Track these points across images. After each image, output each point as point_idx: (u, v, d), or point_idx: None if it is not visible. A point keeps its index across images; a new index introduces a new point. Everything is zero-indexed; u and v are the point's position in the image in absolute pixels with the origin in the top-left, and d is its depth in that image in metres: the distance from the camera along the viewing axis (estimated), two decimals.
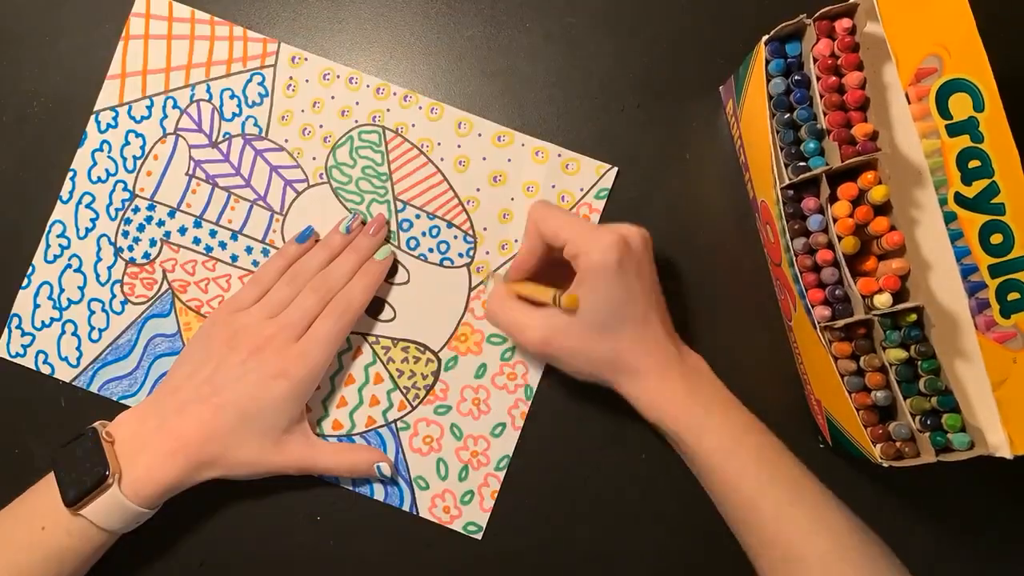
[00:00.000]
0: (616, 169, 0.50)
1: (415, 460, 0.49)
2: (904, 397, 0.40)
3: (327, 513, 0.49)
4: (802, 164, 0.40)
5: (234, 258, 0.50)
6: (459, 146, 0.50)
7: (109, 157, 0.50)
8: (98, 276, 0.50)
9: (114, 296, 0.50)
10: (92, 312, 0.50)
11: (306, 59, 0.51)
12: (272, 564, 0.49)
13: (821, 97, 0.40)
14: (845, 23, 0.40)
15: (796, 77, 0.41)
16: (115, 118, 0.50)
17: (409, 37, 0.51)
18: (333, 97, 0.50)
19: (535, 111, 0.51)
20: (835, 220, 0.39)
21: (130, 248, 0.50)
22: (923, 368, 0.39)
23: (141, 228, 0.50)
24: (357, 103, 0.50)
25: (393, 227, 0.50)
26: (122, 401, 0.50)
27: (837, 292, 0.40)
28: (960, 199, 0.39)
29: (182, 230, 0.50)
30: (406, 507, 0.49)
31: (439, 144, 0.50)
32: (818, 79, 0.40)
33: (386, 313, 0.50)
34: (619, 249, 0.42)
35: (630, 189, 0.50)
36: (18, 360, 0.50)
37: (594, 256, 0.42)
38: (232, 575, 0.49)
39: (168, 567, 0.49)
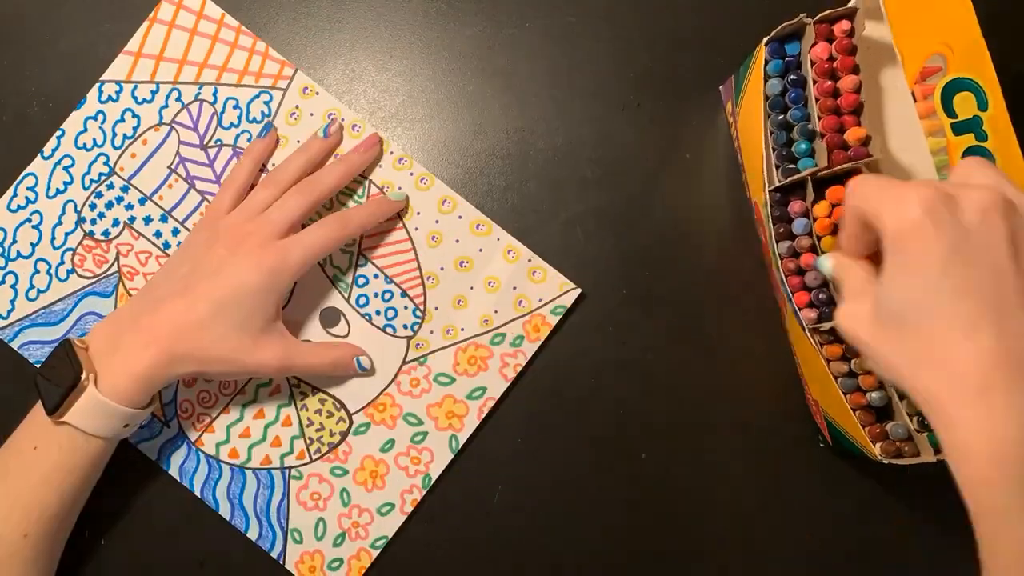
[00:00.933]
0: (580, 291, 0.50)
1: (297, 512, 0.49)
2: (900, 398, 0.40)
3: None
4: (792, 167, 0.40)
5: None
6: (437, 222, 0.50)
7: (100, 128, 0.50)
8: (53, 239, 0.50)
9: (62, 263, 0.50)
10: (36, 271, 0.50)
11: (317, 93, 0.50)
12: (274, 565, 0.49)
13: (816, 101, 0.40)
14: (844, 25, 0.40)
15: (792, 77, 0.41)
16: (118, 92, 0.51)
17: (409, 37, 0.51)
18: None
19: (535, 111, 0.51)
20: (815, 220, 0.39)
21: (93, 222, 0.50)
22: None
23: (109, 205, 0.50)
24: None
25: (348, 278, 0.50)
26: (36, 365, 0.50)
27: (821, 296, 0.40)
28: None
29: (147, 219, 0.50)
30: (274, 554, 0.49)
31: (418, 214, 0.50)
32: (814, 82, 0.40)
33: (342, 329, 0.50)
34: (931, 213, 0.30)
35: (630, 189, 0.50)
36: None
37: (891, 221, 0.31)
38: (232, 575, 0.49)
39: (168, 567, 0.49)
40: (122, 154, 0.50)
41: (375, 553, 0.49)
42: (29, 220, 0.50)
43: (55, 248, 0.50)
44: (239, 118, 0.50)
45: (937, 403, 0.31)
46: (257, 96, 0.51)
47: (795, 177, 0.39)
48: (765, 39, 0.41)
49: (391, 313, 0.50)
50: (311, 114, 0.50)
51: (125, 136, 0.50)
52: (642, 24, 0.51)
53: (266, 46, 0.51)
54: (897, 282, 0.32)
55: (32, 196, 0.50)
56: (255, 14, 0.51)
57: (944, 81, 0.39)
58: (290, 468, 0.49)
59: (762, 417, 0.48)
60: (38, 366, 0.44)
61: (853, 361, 0.40)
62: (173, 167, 0.50)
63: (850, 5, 0.40)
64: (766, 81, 0.41)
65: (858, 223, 0.35)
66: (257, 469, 0.49)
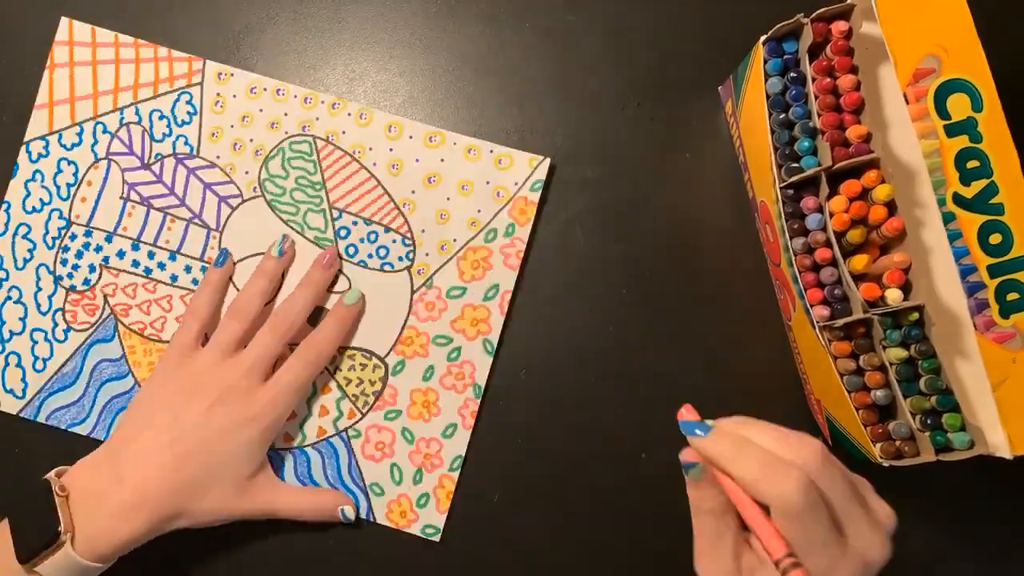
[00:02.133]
0: (549, 160, 0.50)
1: (368, 467, 0.49)
2: (904, 396, 0.40)
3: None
4: (795, 165, 0.40)
5: (174, 278, 0.50)
6: (391, 150, 0.50)
7: (42, 186, 0.50)
8: (39, 306, 0.50)
9: (56, 325, 0.50)
10: (35, 342, 0.50)
11: (232, 75, 0.51)
12: (273, 564, 0.49)
13: (816, 98, 0.40)
14: (840, 25, 0.40)
15: (792, 74, 0.41)
16: (46, 147, 0.50)
17: (409, 37, 0.51)
18: (261, 110, 0.50)
19: (535, 111, 0.51)
20: (831, 215, 0.39)
21: (69, 276, 0.50)
22: (923, 367, 0.39)
23: (79, 255, 0.50)
24: (286, 114, 0.50)
25: (330, 234, 0.50)
26: (71, 429, 0.49)
27: (836, 292, 0.40)
28: (959, 199, 0.39)
29: (120, 254, 0.50)
30: (362, 514, 0.49)
31: (371, 149, 0.50)
32: (813, 80, 0.40)
33: None
34: (806, 495, 0.32)
35: (630, 189, 0.50)
36: None
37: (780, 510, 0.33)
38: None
39: (168, 567, 0.49)
40: (72, 202, 0.50)
41: (456, 475, 0.49)
42: (9, 297, 0.50)
43: (44, 314, 0.50)
44: (169, 126, 0.50)
45: None
46: (178, 99, 0.51)
47: (808, 173, 0.39)
48: (763, 38, 0.41)
49: (383, 252, 0.50)
50: (234, 95, 0.51)
51: (68, 184, 0.50)
52: (642, 24, 0.51)
53: (168, 49, 0.51)
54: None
55: (3, 275, 0.50)
56: (254, 14, 0.51)
57: (938, 82, 0.39)
58: (346, 430, 0.49)
59: (762, 417, 0.48)
60: (14, 505, 0.42)
61: (862, 358, 0.40)
62: (125, 196, 0.50)
63: (847, 3, 0.40)
64: (766, 80, 0.41)
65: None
66: (315, 443, 0.49)
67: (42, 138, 0.50)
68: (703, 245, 0.50)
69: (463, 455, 0.49)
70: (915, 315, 0.39)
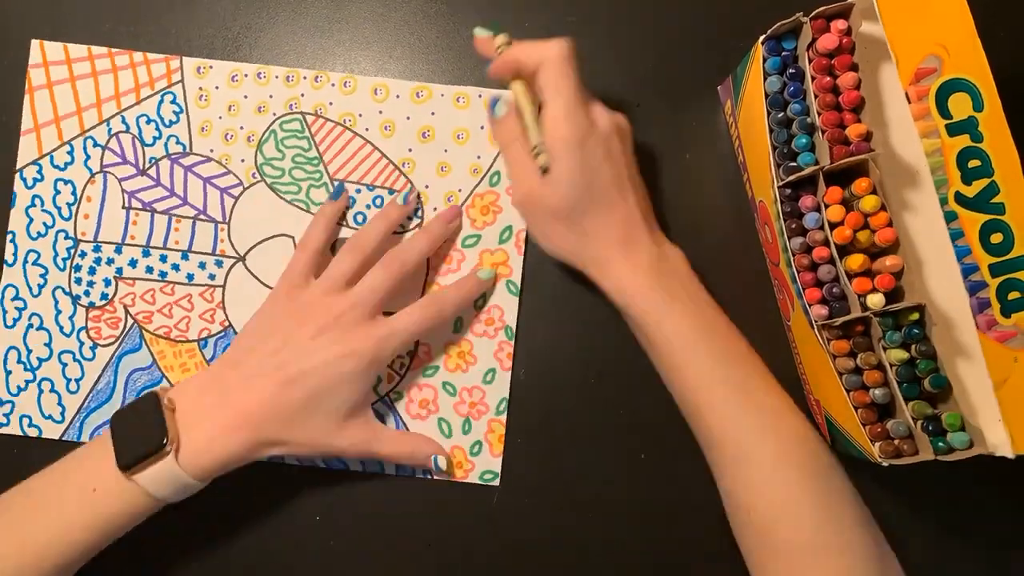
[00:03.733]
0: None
1: (417, 426, 0.49)
2: (905, 399, 0.40)
3: (327, 510, 0.49)
4: (793, 164, 0.41)
5: (190, 277, 0.50)
6: (380, 112, 0.50)
7: (44, 211, 0.50)
8: (61, 328, 0.50)
9: (82, 344, 0.50)
10: (64, 365, 0.50)
11: (211, 67, 0.51)
12: (273, 558, 0.49)
13: (816, 97, 0.40)
14: (840, 24, 0.40)
15: (791, 71, 0.41)
16: (40, 171, 0.50)
17: (409, 37, 0.51)
18: (246, 96, 0.50)
19: None
20: (831, 226, 0.40)
21: (86, 293, 0.50)
22: (923, 368, 0.39)
23: (92, 271, 0.50)
24: (271, 96, 0.50)
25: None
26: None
27: (834, 290, 0.40)
28: (960, 198, 0.39)
29: (132, 263, 0.50)
30: (419, 473, 0.49)
31: (360, 115, 0.50)
32: (813, 79, 0.40)
33: None
34: (590, 120, 0.43)
35: None
36: (3, 430, 0.49)
37: (564, 96, 0.43)
38: (231, 574, 0.49)
39: (167, 567, 0.49)
40: (76, 221, 0.50)
41: (503, 417, 0.49)
42: (31, 325, 0.50)
43: (67, 336, 0.50)
44: (157, 128, 0.50)
45: (602, 262, 0.44)
46: (162, 100, 0.51)
47: (806, 172, 0.40)
48: (762, 37, 0.41)
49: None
50: (216, 87, 0.51)
51: (69, 204, 0.50)
52: (642, 24, 0.51)
53: (143, 53, 0.51)
54: (568, 172, 0.43)
55: (21, 304, 0.50)
56: (254, 15, 0.51)
57: (939, 82, 0.39)
58: (387, 394, 0.49)
59: None
60: (118, 411, 0.43)
61: (860, 357, 0.40)
62: (127, 205, 0.50)
63: (846, 1, 0.40)
64: (765, 79, 0.41)
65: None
66: None
67: (34, 163, 0.50)
68: (703, 245, 0.49)
69: (507, 397, 0.49)
70: (916, 315, 0.39)
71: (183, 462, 0.41)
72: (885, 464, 0.40)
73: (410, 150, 0.50)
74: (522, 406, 0.49)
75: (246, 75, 0.51)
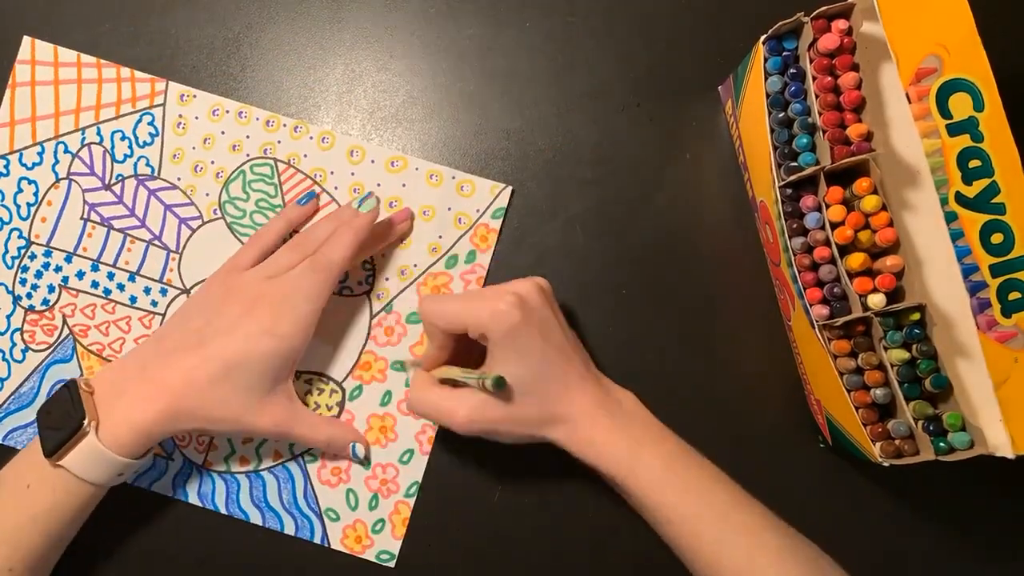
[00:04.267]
0: (511, 188, 0.50)
1: (324, 492, 0.49)
2: (905, 398, 0.40)
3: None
4: (794, 164, 0.40)
5: (133, 299, 0.50)
6: (352, 174, 0.50)
7: (2, 205, 0.50)
8: None
9: (14, 344, 0.50)
10: None
11: (195, 96, 0.51)
12: (272, 567, 0.49)
13: (817, 97, 0.40)
14: (841, 24, 0.40)
15: (792, 71, 0.41)
16: (6, 166, 0.50)
17: (409, 37, 0.51)
18: (223, 132, 0.50)
19: (535, 111, 0.51)
20: (832, 226, 0.39)
21: (28, 295, 0.50)
22: (923, 368, 0.39)
23: (39, 275, 0.50)
24: (248, 137, 0.50)
25: None
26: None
27: (835, 290, 0.40)
28: (961, 199, 0.39)
29: (80, 274, 0.50)
30: (317, 539, 0.49)
31: (332, 173, 0.50)
32: (814, 79, 0.40)
33: None
34: (519, 310, 0.42)
35: (630, 189, 0.50)
36: None
37: (496, 330, 0.42)
38: (232, 574, 0.49)
39: (168, 567, 0.49)
40: (32, 222, 0.50)
41: (412, 500, 0.49)
42: None
43: (1, 334, 0.50)
44: (130, 147, 0.50)
45: (564, 427, 0.43)
46: (140, 120, 0.50)
47: (807, 172, 0.39)
48: (763, 37, 0.41)
49: (342, 277, 0.50)
50: (196, 117, 0.50)
51: (29, 204, 0.50)
52: (642, 24, 0.51)
53: (131, 71, 0.50)
54: (513, 366, 0.42)
55: None
56: (254, 16, 0.51)
57: (940, 82, 0.39)
58: (302, 454, 0.49)
59: (762, 417, 0.49)
60: (43, 404, 0.43)
61: (861, 357, 0.40)
62: (86, 216, 0.50)
63: (847, 2, 0.40)
64: (766, 79, 0.41)
65: (446, 337, 0.45)
66: (271, 467, 0.49)
67: (3, 157, 0.50)
68: (703, 245, 0.50)
69: (419, 481, 0.49)
70: (916, 315, 0.39)
71: (104, 438, 0.41)
72: (886, 464, 0.40)
73: None
74: (433, 493, 0.49)
75: (227, 111, 0.50)
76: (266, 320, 0.44)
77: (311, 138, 0.50)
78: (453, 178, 0.50)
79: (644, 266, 0.50)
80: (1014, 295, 0.39)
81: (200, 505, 0.49)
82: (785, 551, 0.41)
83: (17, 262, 0.50)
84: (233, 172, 0.50)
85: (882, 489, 0.48)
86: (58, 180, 0.50)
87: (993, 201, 0.39)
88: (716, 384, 0.49)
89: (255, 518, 0.49)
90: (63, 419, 0.41)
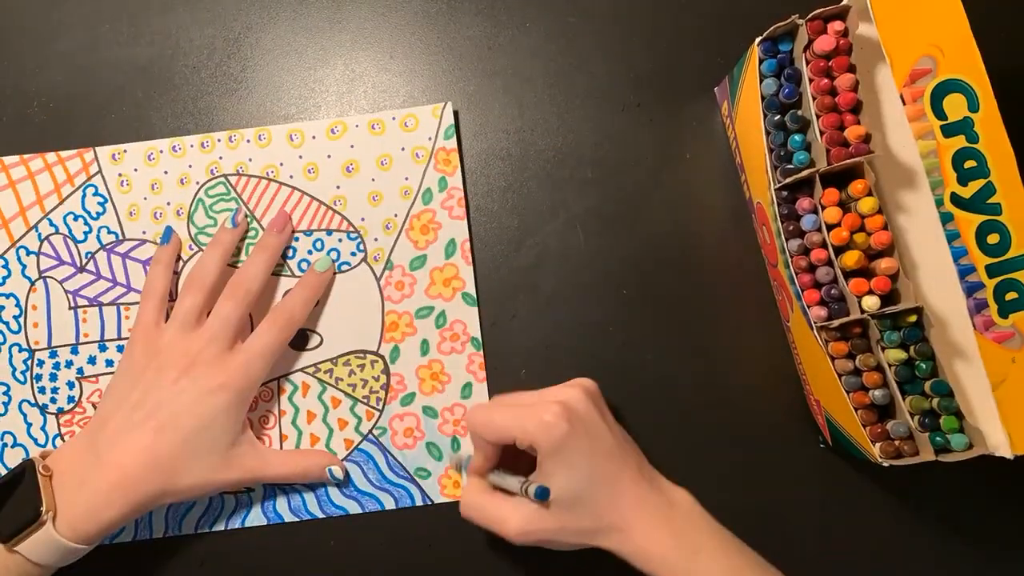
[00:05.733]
0: (449, 103, 0.50)
1: (407, 456, 0.49)
2: (904, 396, 0.40)
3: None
4: (790, 167, 0.40)
5: None
6: (300, 156, 0.50)
7: None
8: (36, 441, 0.49)
9: None
10: None
11: (125, 151, 0.50)
12: (274, 564, 0.49)
13: (814, 99, 0.40)
14: (837, 25, 0.40)
15: (788, 72, 0.41)
16: None
17: (409, 37, 0.52)
18: (166, 172, 0.50)
19: (535, 111, 0.51)
20: (828, 228, 0.39)
21: (52, 401, 0.50)
22: (921, 369, 0.39)
23: (53, 377, 0.50)
24: (190, 166, 0.50)
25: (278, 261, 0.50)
26: (115, 542, 0.49)
27: (833, 291, 0.40)
28: (956, 199, 0.39)
29: (91, 360, 0.50)
30: (419, 502, 0.49)
31: (281, 164, 0.50)
32: (810, 81, 0.40)
33: (312, 341, 0.50)
34: (567, 421, 0.41)
35: (630, 189, 0.50)
36: None
37: (543, 443, 0.41)
38: (233, 574, 0.49)
39: (168, 567, 0.49)
40: (26, 331, 0.50)
41: None
42: (5, 444, 0.49)
43: (43, 446, 0.49)
44: (86, 223, 0.50)
45: (619, 533, 0.41)
46: (84, 194, 0.50)
47: (803, 174, 0.40)
48: (758, 39, 0.41)
49: (334, 254, 0.50)
50: (135, 169, 0.50)
51: (15, 317, 0.50)
52: (641, 24, 0.51)
53: (55, 153, 0.50)
54: (563, 478, 0.41)
55: None
56: (254, 16, 0.52)
57: (934, 83, 0.39)
58: (371, 431, 0.49)
59: (762, 417, 0.48)
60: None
61: (859, 358, 0.40)
62: (73, 305, 0.50)
63: (843, 3, 0.40)
64: (761, 81, 0.41)
65: (492, 447, 0.44)
66: (348, 456, 0.49)
67: None
68: (703, 245, 0.49)
69: None
70: (913, 317, 0.39)
71: (62, 529, 0.41)
72: (885, 464, 0.40)
73: (338, 187, 0.50)
74: None
75: (161, 151, 0.50)
76: (211, 377, 0.44)
77: (248, 141, 0.50)
78: (394, 119, 0.50)
79: (644, 266, 0.50)
80: (1011, 295, 0.39)
81: (296, 518, 0.49)
82: None
83: (28, 374, 0.50)
84: (191, 204, 0.50)
85: (882, 489, 0.48)
86: (33, 283, 0.50)
87: (989, 201, 0.39)
88: (716, 384, 0.49)
89: (353, 508, 0.49)
90: (20, 505, 0.41)
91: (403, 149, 0.50)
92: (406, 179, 0.50)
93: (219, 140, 0.50)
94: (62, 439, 0.49)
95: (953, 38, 0.39)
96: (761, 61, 0.41)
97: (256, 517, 0.49)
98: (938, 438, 0.39)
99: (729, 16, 0.51)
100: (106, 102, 0.51)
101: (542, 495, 0.40)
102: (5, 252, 0.50)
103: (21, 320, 0.50)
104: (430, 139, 0.50)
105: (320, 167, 0.50)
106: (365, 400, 0.49)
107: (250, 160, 0.50)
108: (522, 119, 0.51)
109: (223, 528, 0.48)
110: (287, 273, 0.50)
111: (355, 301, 0.50)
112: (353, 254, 0.50)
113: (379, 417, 0.49)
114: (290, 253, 0.50)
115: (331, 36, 0.52)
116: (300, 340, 0.50)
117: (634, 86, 0.51)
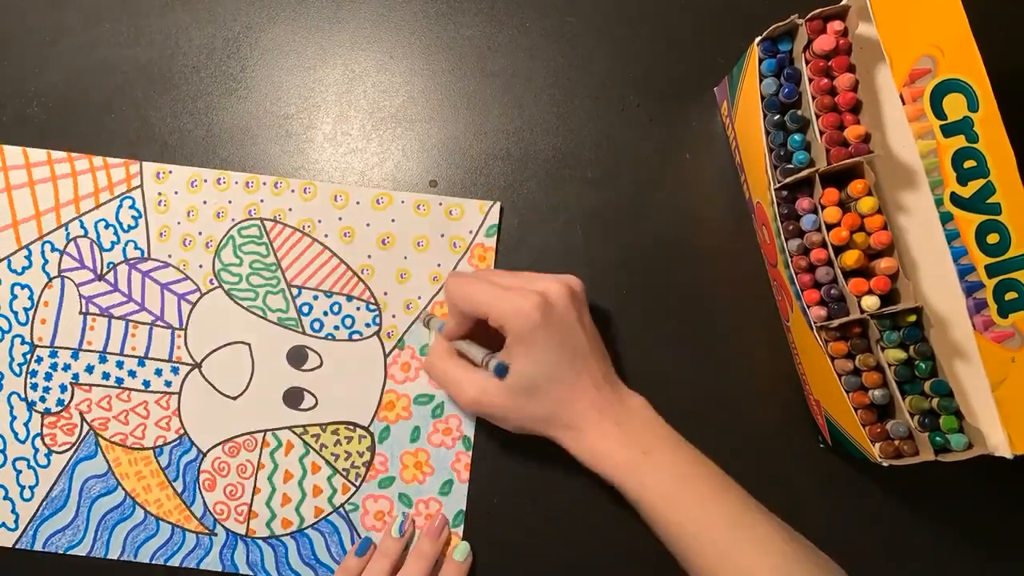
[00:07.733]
0: (499, 204, 0.50)
1: (372, 538, 0.49)
2: (903, 396, 0.40)
3: None
4: (790, 166, 0.40)
5: (146, 384, 0.50)
6: (340, 219, 0.50)
7: (0, 315, 0.50)
8: (16, 435, 0.49)
9: (37, 450, 0.49)
10: (19, 472, 0.49)
11: (171, 172, 0.50)
12: None
13: (813, 99, 0.40)
14: (836, 25, 0.40)
15: (788, 72, 0.41)
16: None
17: (409, 37, 0.52)
18: (205, 202, 0.50)
19: (535, 111, 0.51)
20: (828, 228, 0.39)
21: (42, 399, 0.50)
22: (921, 369, 0.39)
23: (48, 377, 0.50)
24: (230, 201, 0.50)
25: (292, 313, 0.50)
26: (69, 552, 0.49)
27: (832, 291, 0.40)
28: (956, 199, 0.39)
29: (89, 369, 0.50)
30: None
31: (320, 221, 0.50)
32: (810, 80, 0.40)
33: (307, 401, 0.50)
34: (541, 311, 0.42)
35: (630, 189, 0.50)
36: None
37: (514, 328, 0.42)
38: None
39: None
40: (33, 326, 0.50)
41: (460, 529, 0.49)
42: None
43: (22, 442, 0.49)
44: (116, 233, 0.50)
45: (572, 432, 0.43)
46: (120, 205, 0.50)
47: (803, 174, 0.39)
48: (757, 39, 0.41)
49: (348, 321, 0.50)
50: (176, 192, 0.50)
51: (25, 309, 0.50)
52: (641, 25, 0.51)
53: (103, 158, 0.50)
54: (524, 365, 0.42)
55: None
56: (254, 16, 0.52)
57: (934, 83, 0.39)
58: (343, 505, 0.49)
59: (762, 417, 0.48)
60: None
61: (858, 358, 0.40)
62: (84, 310, 0.50)
63: (842, 3, 0.40)
64: (761, 81, 0.41)
65: (465, 317, 0.45)
66: (315, 524, 0.49)
67: None
68: (703, 245, 0.50)
69: (463, 509, 0.49)
70: (913, 316, 0.39)
71: None
72: (885, 464, 0.40)
73: (369, 256, 0.50)
74: (482, 517, 0.49)
75: (205, 180, 0.50)
76: None
77: (292, 191, 0.50)
78: (440, 204, 0.50)
79: (644, 266, 0.50)
80: (1010, 295, 0.39)
81: (251, 573, 0.49)
82: (792, 562, 0.40)
83: (25, 368, 0.50)
84: (222, 239, 0.50)
85: (882, 489, 0.48)
86: (50, 280, 0.50)
87: (988, 201, 0.39)
88: (716, 384, 0.49)
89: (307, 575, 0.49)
90: None
91: (442, 236, 0.50)
92: (438, 265, 0.50)
93: (264, 183, 0.50)
94: (43, 441, 0.49)
95: (953, 38, 0.39)
96: (761, 61, 0.41)
97: (212, 561, 0.49)
98: (938, 438, 0.39)
99: (729, 16, 0.51)
100: (106, 102, 0.51)
101: (500, 371, 0.42)
102: (31, 243, 0.50)
103: (31, 313, 0.50)
104: (471, 232, 0.50)
105: (356, 232, 0.50)
106: (344, 473, 0.49)
107: (290, 210, 0.50)
108: (522, 119, 0.51)
109: (177, 564, 0.48)
110: (297, 328, 0.50)
111: (358, 372, 0.50)
112: (368, 325, 0.50)
113: (354, 493, 0.49)
114: (305, 310, 0.50)
115: (331, 36, 0.52)
116: (294, 399, 0.49)
117: (634, 86, 0.51)
